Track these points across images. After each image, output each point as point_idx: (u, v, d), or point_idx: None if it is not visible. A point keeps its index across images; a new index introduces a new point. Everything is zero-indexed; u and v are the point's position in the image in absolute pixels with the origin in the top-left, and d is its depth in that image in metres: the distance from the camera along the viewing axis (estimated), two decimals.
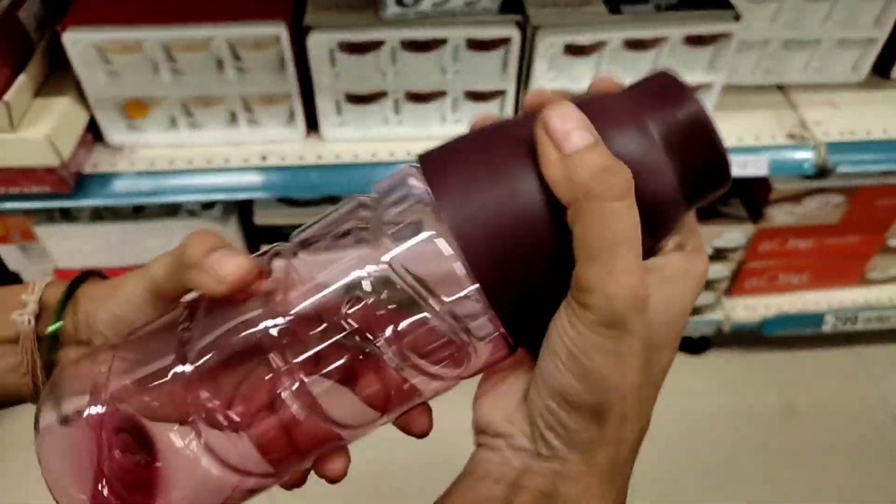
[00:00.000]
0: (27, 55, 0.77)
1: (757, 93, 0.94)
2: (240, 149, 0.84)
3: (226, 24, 0.73)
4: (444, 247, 0.25)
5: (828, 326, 1.16)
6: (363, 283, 0.26)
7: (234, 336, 0.26)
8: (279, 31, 0.73)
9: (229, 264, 0.27)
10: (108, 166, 0.82)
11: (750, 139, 0.87)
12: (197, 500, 0.26)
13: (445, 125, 0.85)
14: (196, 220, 0.91)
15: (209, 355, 0.26)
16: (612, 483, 0.26)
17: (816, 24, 0.87)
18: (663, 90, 0.26)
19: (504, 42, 0.77)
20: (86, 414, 0.26)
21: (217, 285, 0.27)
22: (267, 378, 0.26)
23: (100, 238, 0.91)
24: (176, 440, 0.26)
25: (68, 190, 0.79)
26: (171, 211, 0.91)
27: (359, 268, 0.26)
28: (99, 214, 0.91)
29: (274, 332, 0.26)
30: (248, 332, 0.26)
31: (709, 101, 0.86)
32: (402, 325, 0.25)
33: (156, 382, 0.26)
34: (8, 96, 0.72)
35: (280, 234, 0.95)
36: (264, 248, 0.30)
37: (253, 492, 0.28)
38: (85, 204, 0.81)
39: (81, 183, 0.81)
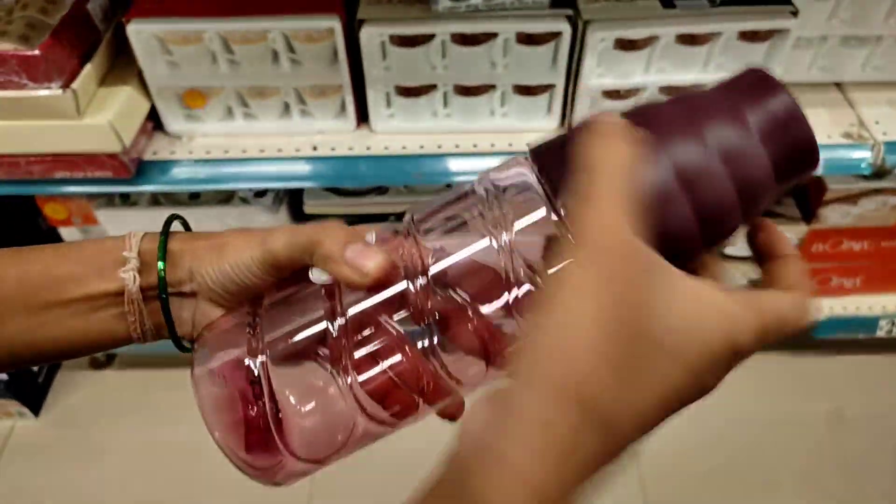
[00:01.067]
0: (94, 45, 0.80)
1: (813, 90, 0.92)
2: (292, 139, 0.86)
3: (281, 17, 0.75)
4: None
5: (882, 331, 1.13)
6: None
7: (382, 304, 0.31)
8: (333, 24, 0.75)
9: (370, 260, 0.30)
10: (166, 153, 0.85)
11: None
12: (324, 432, 0.31)
13: (494, 119, 0.85)
14: (249, 207, 0.93)
15: (358, 312, 0.31)
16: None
17: (878, 21, 0.84)
18: (755, 83, 0.29)
19: (554, 36, 0.77)
20: (242, 364, 0.31)
21: (361, 279, 0.30)
22: (400, 336, 0.31)
23: (158, 223, 0.93)
24: (313, 382, 0.31)
25: (129, 175, 0.82)
26: (226, 198, 0.94)
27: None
28: (157, 200, 0.95)
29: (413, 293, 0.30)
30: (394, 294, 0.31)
31: None
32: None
33: (306, 336, 0.32)
34: (75, 84, 0.75)
35: None
36: (379, 229, 0.34)
37: (369, 436, 0.32)
38: (144, 189, 0.84)
39: (141, 169, 0.84)
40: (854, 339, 1.16)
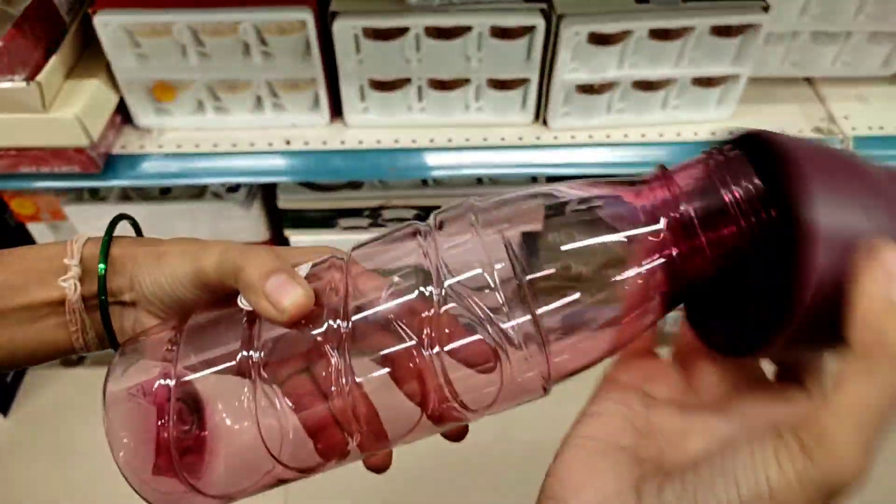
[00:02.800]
0: (59, 37, 0.79)
1: (784, 85, 0.93)
2: (265, 133, 0.85)
3: (253, 8, 0.74)
4: None
5: None
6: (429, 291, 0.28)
7: (298, 340, 0.30)
8: (305, 16, 0.74)
9: (288, 297, 0.29)
10: (136, 147, 0.83)
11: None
12: (236, 470, 0.30)
13: (468, 113, 0.85)
14: (221, 203, 0.92)
15: (273, 351, 0.29)
16: None
17: (848, 17, 0.85)
18: None
19: (528, 30, 0.77)
20: (155, 385, 0.29)
21: (277, 315, 0.29)
22: (325, 371, 0.28)
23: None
24: (228, 413, 0.29)
25: (97, 170, 0.81)
26: (197, 193, 0.93)
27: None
28: (127, 195, 0.93)
29: (336, 329, 0.29)
30: (312, 335, 0.29)
31: (734, 94, 0.85)
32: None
33: (223, 365, 0.30)
34: (40, 77, 0.73)
35: (303, 217, 0.96)
36: (316, 259, 0.33)
37: (284, 481, 0.30)
38: (113, 184, 0.83)
39: (110, 163, 0.82)
40: None
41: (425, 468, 1.12)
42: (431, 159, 0.84)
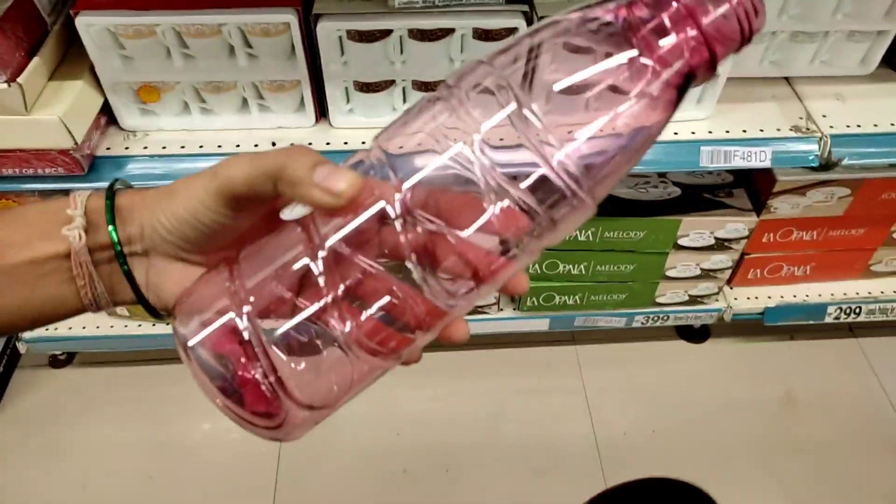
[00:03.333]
0: (41, 38, 0.79)
1: (763, 84, 0.94)
2: (250, 134, 0.85)
3: (237, 10, 0.74)
4: None
5: (830, 317, 1.17)
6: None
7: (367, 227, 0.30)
8: (289, 18, 0.74)
9: (342, 180, 0.29)
10: (121, 149, 0.84)
11: (754, 131, 0.88)
12: (317, 387, 0.31)
13: None
14: None
15: (338, 241, 0.30)
16: None
17: (825, 17, 0.87)
18: None
19: (510, 32, 0.78)
20: (229, 324, 0.30)
21: (335, 200, 0.28)
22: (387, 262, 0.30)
23: None
24: (300, 332, 0.30)
25: (81, 171, 0.81)
26: None
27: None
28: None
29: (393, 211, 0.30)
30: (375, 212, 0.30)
31: (713, 93, 0.87)
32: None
33: (292, 282, 0.31)
34: (22, 79, 0.73)
35: None
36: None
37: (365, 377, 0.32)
38: (98, 185, 0.83)
39: (95, 165, 0.82)
40: (804, 324, 1.20)
41: (416, 469, 1.13)
42: (416, 160, 0.84)
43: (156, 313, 0.34)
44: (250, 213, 0.32)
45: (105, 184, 0.81)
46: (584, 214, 0.31)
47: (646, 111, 0.30)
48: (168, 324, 0.35)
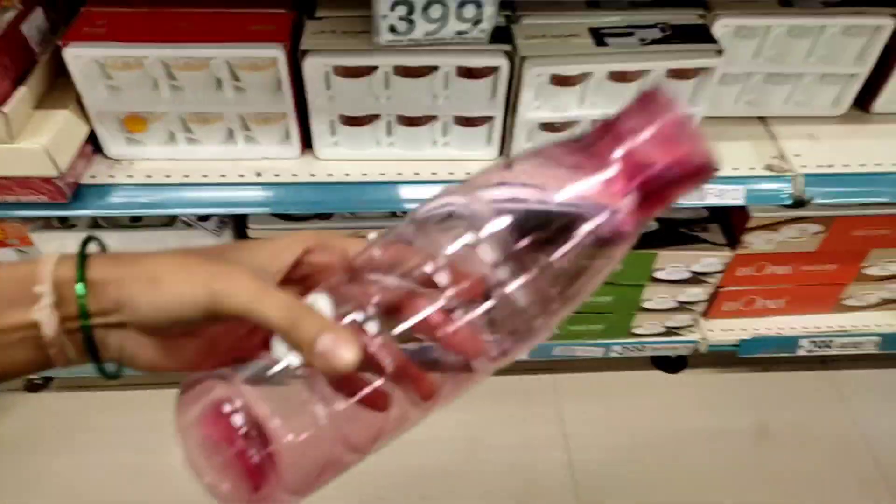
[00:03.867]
0: (29, 68, 0.79)
1: (738, 123, 0.97)
2: (236, 164, 0.86)
3: (225, 44, 0.76)
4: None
5: (803, 350, 1.20)
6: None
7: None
8: (277, 53, 0.76)
9: (344, 355, 0.30)
10: (106, 178, 0.84)
11: (728, 169, 0.90)
12: (305, 473, 0.33)
13: (436, 148, 0.87)
14: (192, 232, 0.93)
15: None
16: None
17: (799, 60, 0.90)
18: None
19: (493, 70, 0.80)
20: (222, 410, 0.31)
21: (334, 373, 0.30)
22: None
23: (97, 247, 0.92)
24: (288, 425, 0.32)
25: (65, 199, 0.81)
26: (168, 222, 0.93)
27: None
28: (96, 223, 0.94)
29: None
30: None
31: None
32: None
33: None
34: (7, 108, 0.74)
35: None
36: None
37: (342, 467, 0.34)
38: (81, 213, 0.83)
39: (79, 193, 0.83)
40: (777, 357, 1.22)
41: (391, 496, 1.13)
42: (399, 192, 0.86)
43: (108, 376, 0.34)
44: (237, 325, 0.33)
45: (90, 212, 0.81)
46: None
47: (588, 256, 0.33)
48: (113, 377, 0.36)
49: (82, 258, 0.32)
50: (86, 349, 0.32)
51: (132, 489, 1.13)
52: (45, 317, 0.31)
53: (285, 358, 0.31)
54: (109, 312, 0.32)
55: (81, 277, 0.31)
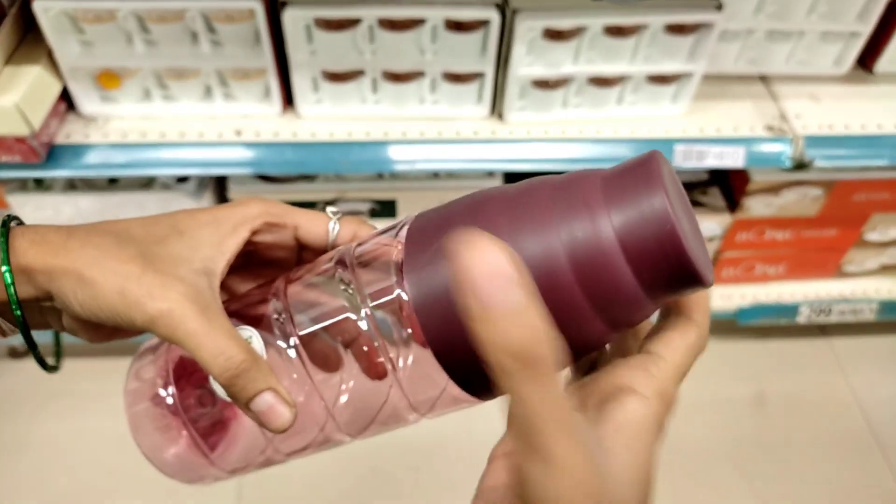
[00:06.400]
0: None
1: (739, 83, 0.94)
2: (214, 123, 0.83)
3: None
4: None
5: (802, 317, 1.17)
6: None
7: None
8: (254, 4, 0.72)
9: (280, 419, 0.29)
10: (80, 137, 0.81)
11: (728, 130, 0.87)
12: (245, 448, 0.33)
13: (424, 106, 0.84)
14: (170, 194, 0.90)
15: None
16: None
17: (801, 16, 0.86)
18: (634, 179, 0.24)
19: (483, 24, 0.76)
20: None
21: (268, 430, 0.29)
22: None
23: (73, 208, 0.90)
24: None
25: (39, 160, 0.78)
26: (146, 183, 0.91)
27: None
28: (73, 184, 0.91)
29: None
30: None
31: (688, 91, 0.86)
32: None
33: None
34: None
35: None
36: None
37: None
38: (56, 174, 0.80)
39: (53, 153, 0.80)
40: (776, 325, 1.20)
41: (384, 468, 1.12)
42: (386, 153, 0.83)
43: (45, 365, 0.33)
44: None
45: (65, 173, 0.79)
46: None
47: None
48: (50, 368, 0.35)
49: (5, 239, 0.29)
50: (21, 332, 0.30)
51: (114, 455, 1.11)
52: None
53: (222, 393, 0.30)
54: (42, 299, 0.30)
55: (6, 261, 0.28)
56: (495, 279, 0.20)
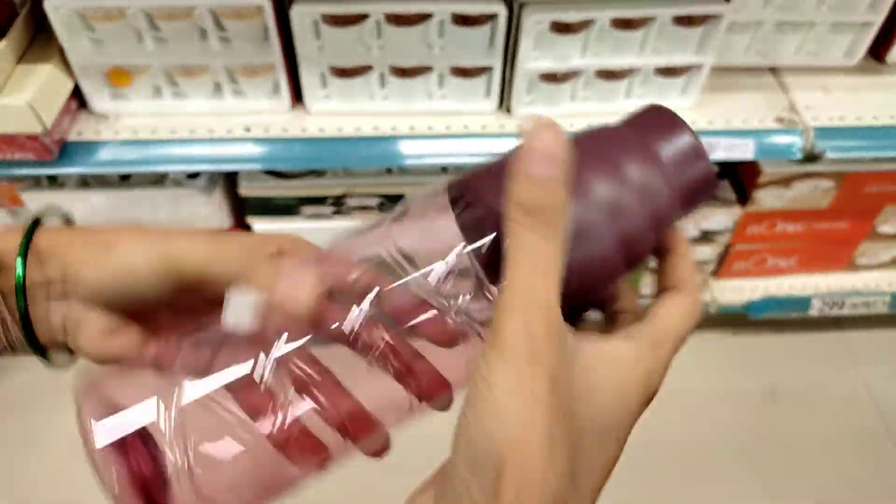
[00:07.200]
0: (9, 21, 0.77)
1: (748, 74, 0.93)
2: (224, 119, 0.83)
3: None
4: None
5: (814, 310, 1.17)
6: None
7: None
8: (261, 1, 0.72)
9: (302, 297, 0.26)
10: (92, 134, 0.82)
11: (738, 122, 0.87)
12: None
13: (431, 101, 0.84)
14: (181, 190, 0.91)
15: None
16: None
17: (811, 7, 0.86)
18: (659, 121, 0.30)
19: (490, 18, 0.76)
20: (153, 426, 0.26)
21: (291, 315, 0.26)
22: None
23: (86, 205, 0.91)
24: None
25: (52, 157, 0.79)
26: (157, 179, 0.91)
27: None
28: (85, 181, 0.92)
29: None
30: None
31: (697, 83, 0.85)
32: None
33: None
34: None
35: (266, 204, 0.95)
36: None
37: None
38: (68, 171, 0.81)
39: (66, 150, 0.81)
40: (787, 318, 1.19)
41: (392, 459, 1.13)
42: (394, 148, 0.83)
43: (46, 358, 0.31)
44: (192, 294, 0.29)
45: (77, 170, 0.80)
46: None
47: None
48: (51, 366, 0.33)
49: (33, 225, 0.30)
50: (20, 321, 0.29)
51: None
52: None
53: (237, 315, 0.27)
54: (54, 282, 0.29)
55: (25, 247, 0.29)
56: (543, 154, 0.24)
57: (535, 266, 0.23)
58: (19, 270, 0.29)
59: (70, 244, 0.29)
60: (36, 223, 0.30)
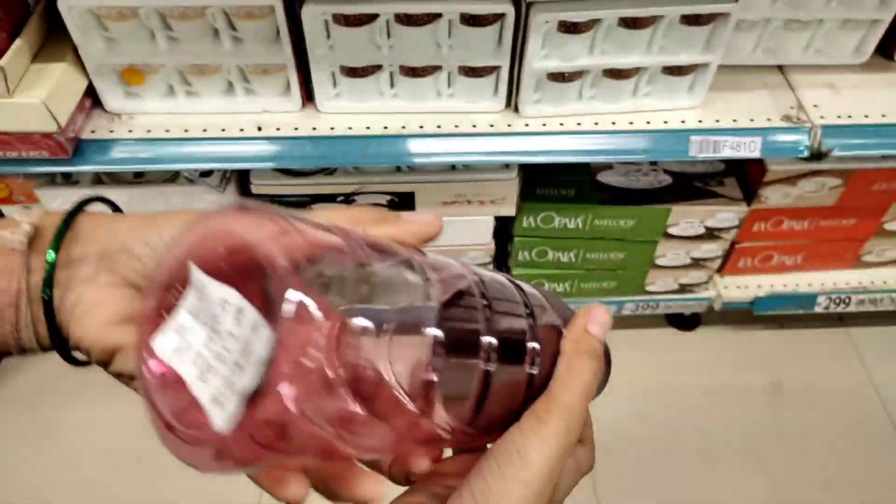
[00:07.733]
0: (24, 20, 0.78)
1: (755, 72, 0.93)
2: (236, 118, 0.84)
3: None
4: None
5: (820, 307, 1.17)
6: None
7: None
8: (273, 1, 0.73)
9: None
10: (106, 132, 0.83)
11: (745, 120, 0.87)
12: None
13: (440, 100, 0.85)
14: (194, 187, 0.92)
15: None
16: None
17: (819, 5, 0.85)
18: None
19: (498, 17, 0.77)
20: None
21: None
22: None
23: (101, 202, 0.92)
24: None
25: (66, 155, 0.80)
26: (171, 177, 0.93)
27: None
28: (100, 178, 0.93)
29: None
30: None
31: (704, 81, 0.86)
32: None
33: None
34: (3, 61, 0.72)
35: (277, 202, 0.96)
36: None
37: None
38: (82, 169, 0.82)
39: (80, 148, 0.82)
40: (793, 314, 1.20)
41: None
42: (403, 146, 0.84)
43: (74, 360, 0.31)
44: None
45: (91, 168, 0.81)
46: None
47: None
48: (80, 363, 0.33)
49: (77, 210, 0.31)
50: (42, 287, 0.29)
51: (142, 442, 1.14)
52: (16, 241, 0.28)
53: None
54: (88, 257, 0.30)
55: (60, 236, 0.30)
56: (603, 324, 0.37)
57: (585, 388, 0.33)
58: (50, 258, 0.29)
59: (115, 220, 0.30)
60: (81, 205, 0.31)
